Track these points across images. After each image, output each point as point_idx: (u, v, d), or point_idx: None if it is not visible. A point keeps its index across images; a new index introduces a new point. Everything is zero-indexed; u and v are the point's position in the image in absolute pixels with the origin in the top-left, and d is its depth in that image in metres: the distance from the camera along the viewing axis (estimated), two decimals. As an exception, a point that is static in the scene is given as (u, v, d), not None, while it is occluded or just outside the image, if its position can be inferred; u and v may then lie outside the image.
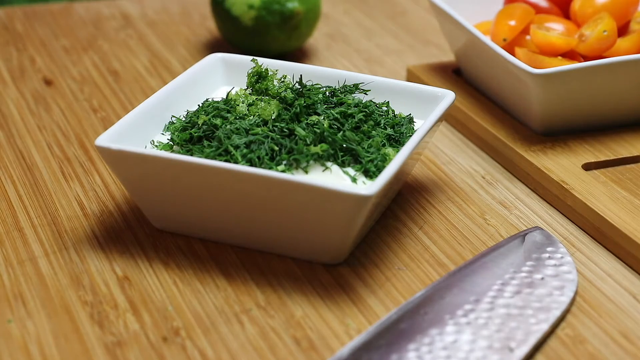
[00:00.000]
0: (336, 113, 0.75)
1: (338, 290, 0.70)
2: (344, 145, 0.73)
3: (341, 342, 0.65)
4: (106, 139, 0.71)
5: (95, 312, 0.67)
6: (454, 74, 0.98)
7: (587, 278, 0.72)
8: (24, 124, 0.90)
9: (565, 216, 0.79)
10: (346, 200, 0.66)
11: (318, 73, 0.83)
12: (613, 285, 0.71)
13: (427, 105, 0.80)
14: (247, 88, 0.80)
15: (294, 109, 0.75)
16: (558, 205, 0.80)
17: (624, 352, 0.65)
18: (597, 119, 0.87)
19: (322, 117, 0.75)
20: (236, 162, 0.71)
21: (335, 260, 0.72)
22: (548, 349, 0.65)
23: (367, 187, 0.68)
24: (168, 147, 0.74)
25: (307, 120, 0.74)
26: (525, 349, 0.64)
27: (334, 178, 0.71)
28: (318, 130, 0.73)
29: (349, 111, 0.76)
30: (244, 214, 0.71)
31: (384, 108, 0.79)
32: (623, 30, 0.91)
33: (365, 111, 0.76)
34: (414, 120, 0.80)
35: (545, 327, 0.66)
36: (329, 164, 0.72)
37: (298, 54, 1.07)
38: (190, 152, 0.72)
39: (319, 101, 0.77)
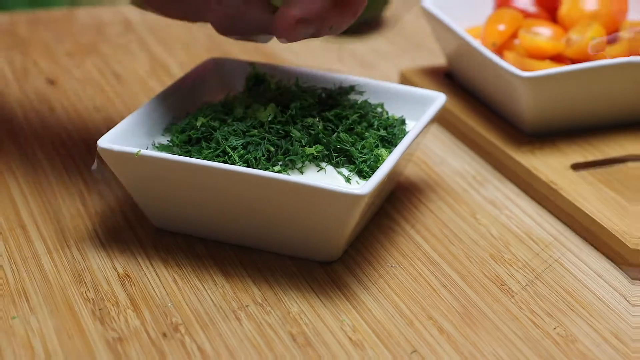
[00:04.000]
0: (331, 115, 0.75)
1: (333, 287, 0.69)
2: (338, 147, 0.72)
3: (336, 337, 0.64)
4: (108, 140, 0.71)
5: (97, 308, 0.66)
6: (446, 77, 0.98)
7: (577, 278, 0.71)
8: (28, 124, 0.89)
9: (555, 216, 0.79)
10: (340, 200, 0.66)
11: (314, 76, 0.82)
12: (604, 286, 0.71)
13: (420, 107, 0.80)
14: (245, 91, 0.79)
15: (289, 111, 0.74)
16: (547, 205, 0.79)
17: (615, 352, 0.64)
18: (585, 120, 0.87)
19: (317, 119, 0.74)
20: (233, 163, 0.70)
21: (330, 258, 0.71)
22: (540, 348, 0.64)
23: (361, 186, 0.67)
24: (168, 149, 0.73)
25: (302, 122, 0.74)
26: None
27: (329, 178, 0.71)
28: (313, 132, 0.72)
29: (344, 113, 0.75)
30: (241, 214, 0.70)
31: (379, 109, 0.79)
32: (612, 38, 0.91)
33: (360, 112, 0.76)
34: (407, 122, 0.79)
35: None
36: (323, 164, 0.71)
37: (294, 58, 1.06)
38: (189, 154, 0.72)
39: (314, 103, 0.76)
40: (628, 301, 0.69)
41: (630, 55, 0.87)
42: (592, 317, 0.67)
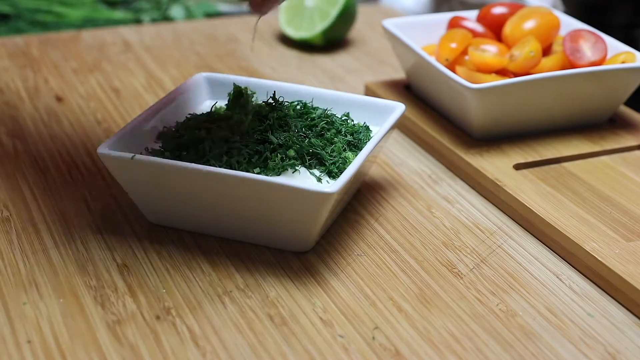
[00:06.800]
0: (303, 123, 0.75)
1: (306, 274, 0.69)
2: (311, 150, 0.72)
3: (309, 317, 0.64)
4: (107, 147, 0.71)
5: (98, 295, 0.66)
6: (405, 89, 0.98)
7: (517, 261, 0.72)
8: (39, 135, 0.89)
9: (499, 209, 0.79)
10: (313, 197, 0.66)
11: (289, 89, 0.83)
12: (539, 267, 0.71)
13: (382, 115, 0.80)
14: (228, 103, 0.79)
15: (267, 121, 0.74)
16: (493, 199, 0.80)
17: (548, 324, 0.65)
18: (526, 126, 0.87)
19: (291, 127, 0.74)
20: (218, 166, 0.70)
21: (304, 248, 0.71)
22: (485, 322, 0.65)
23: (331, 185, 0.68)
24: (160, 154, 0.73)
25: (278, 130, 0.74)
26: None
27: (302, 178, 0.71)
28: (288, 138, 0.72)
29: (314, 121, 0.75)
30: (226, 210, 0.70)
31: (344, 118, 0.79)
32: (547, 51, 0.91)
33: (327, 120, 0.76)
34: (370, 128, 0.79)
35: None
36: (297, 166, 0.71)
37: (271, 73, 1.06)
38: (178, 158, 0.72)
39: (289, 114, 0.76)
40: (560, 280, 0.70)
41: (563, 65, 0.88)
42: (529, 294, 0.68)
